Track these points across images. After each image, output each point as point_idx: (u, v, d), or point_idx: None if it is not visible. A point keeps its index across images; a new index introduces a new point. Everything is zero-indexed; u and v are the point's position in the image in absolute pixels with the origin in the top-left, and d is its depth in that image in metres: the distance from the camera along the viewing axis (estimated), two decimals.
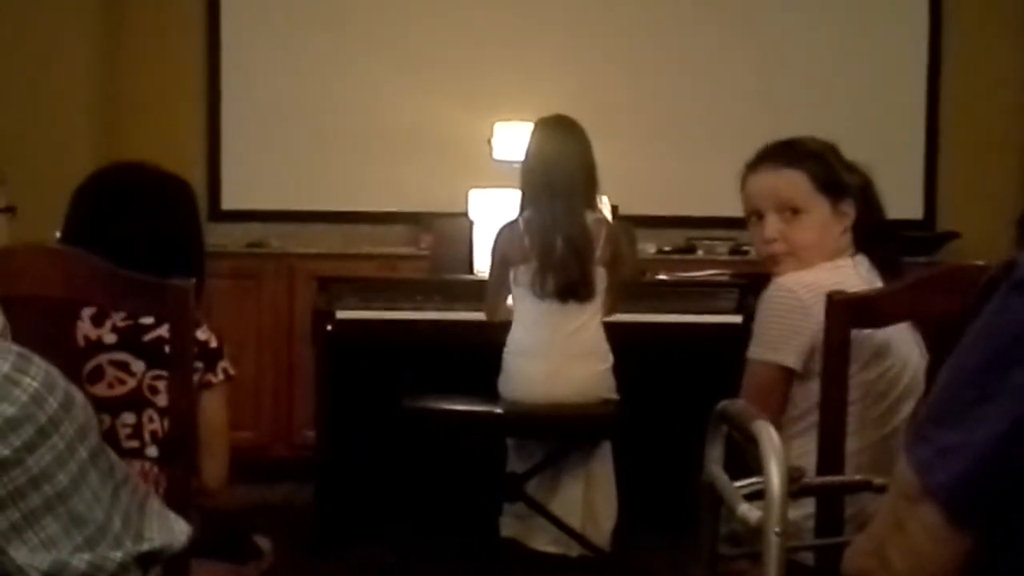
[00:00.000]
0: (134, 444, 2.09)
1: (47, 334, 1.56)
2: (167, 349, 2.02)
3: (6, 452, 0.84)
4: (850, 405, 1.90)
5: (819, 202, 2.14)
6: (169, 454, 1.89)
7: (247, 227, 5.28)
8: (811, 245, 2.13)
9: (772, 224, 2.16)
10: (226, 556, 2.21)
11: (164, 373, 2.05)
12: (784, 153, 2.20)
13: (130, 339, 2.10)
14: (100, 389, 2.05)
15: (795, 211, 2.14)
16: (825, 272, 2.07)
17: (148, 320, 2.10)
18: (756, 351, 2.09)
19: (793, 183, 2.15)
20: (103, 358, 2.09)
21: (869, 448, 1.97)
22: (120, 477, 0.93)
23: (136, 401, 2.09)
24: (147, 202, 2.22)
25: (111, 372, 2.08)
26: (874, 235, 2.14)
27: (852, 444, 1.93)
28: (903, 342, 2.03)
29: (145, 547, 0.91)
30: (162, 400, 2.08)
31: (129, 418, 2.09)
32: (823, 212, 2.14)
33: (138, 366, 2.10)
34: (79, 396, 0.92)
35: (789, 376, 2.06)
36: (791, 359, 2.04)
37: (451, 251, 4.08)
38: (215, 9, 5.36)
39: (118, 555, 0.89)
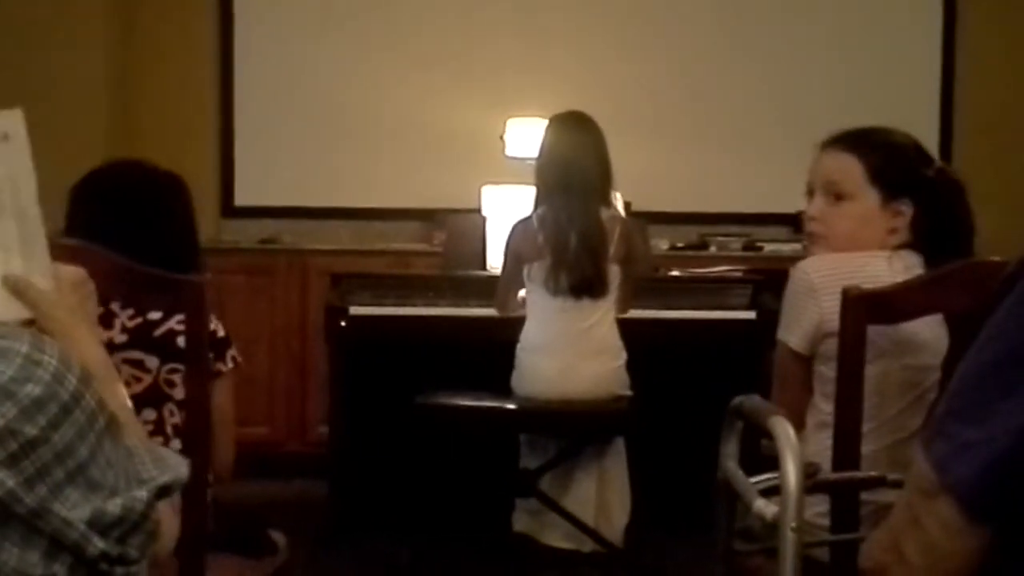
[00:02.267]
0: (158, 440, 2.10)
1: None
2: (179, 342, 2.08)
3: (34, 432, 0.86)
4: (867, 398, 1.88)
5: (868, 193, 2.08)
6: (186, 446, 1.90)
7: (260, 223, 5.29)
8: (846, 234, 2.09)
9: (816, 203, 2.13)
10: (241, 551, 2.23)
11: (179, 366, 2.09)
12: (851, 138, 2.14)
13: (141, 336, 2.12)
14: None
15: (839, 196, 2.10)
16: (854, 260, 2.03)
17: (156, 315, 2.11)
18: (778, 329, 2.09)
19: (845, 168, 2.10)
20: (116, 358, 2.09)
21: (898, 445, 1.94)
22: (122, 433, 0.96)
23: (155, 397, 2.11)
24: (146, 200, 2.24)
25: (126, 371, 2.10)
26: (938, 240, 2.05)
27: (877, 440, 1.92)
28: (938, 338, 1.97)
29: (160, 482, 0.95)
30: (179, 393, 2.11)
31: (150, 414, 2.11)
32: (869, 204, 2.08)
33: (152, 362, 2.12)
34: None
35: (799, 357, 2.05)
36: (794, 339, 2.04)
37: (464, 247, 4.08)
38: (228, 7, 5.37)
39: (144, 495, 0.92)
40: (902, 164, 2.10)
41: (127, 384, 2.07)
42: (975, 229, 2.09)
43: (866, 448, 1.86)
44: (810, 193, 2.17)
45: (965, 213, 2.10)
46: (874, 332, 1.87)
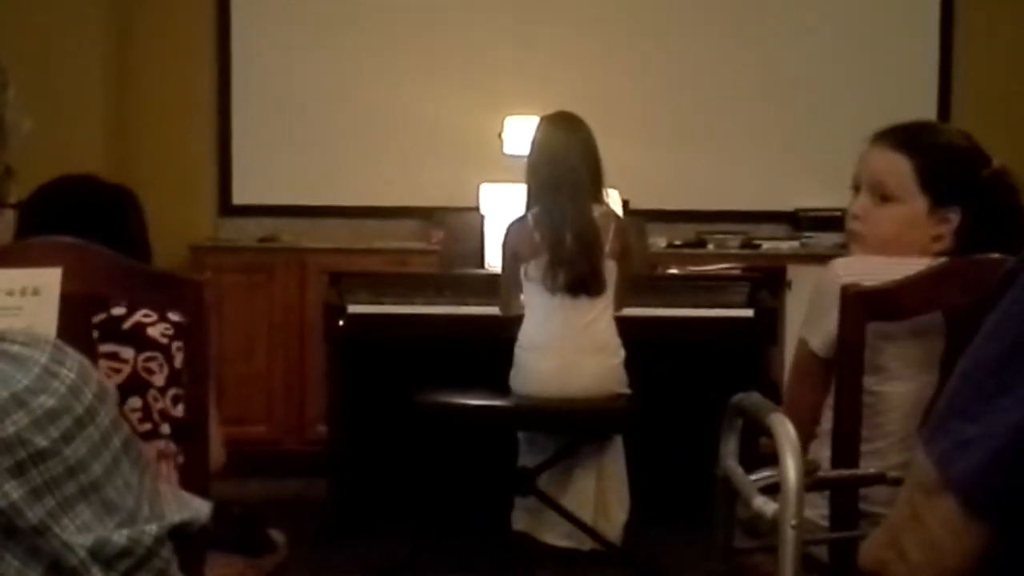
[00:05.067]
0: (147, 427, 2.14)
1: (63, 327, 1.57)
2: (149, 332, 2.13)
3: (45, 443, 0.86)
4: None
5: (915, 197, 1.97)
6: (185, 441, 1.90)
7: (258, 222, 5.30)
8: (889, 237, 1.99)
9: (860, 201, 2.03)
10: (241, 549, 2.22)
11: (154, 354, 2.14)
12: (904, 135, 2.02)
13: (110, 330, 2.14)
14: None
15: (885, 197, 1.99)
16: (889, 265, 1.92)
17: (120, 311, 2.15)
18: (802, 324, 2.01)
19: (894, 169, 1.99)
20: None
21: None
22: (144, 462, 0.96)
23: (137, 385, 2.14)
24: (96, 215, 2.27)
25: (103, 364, 2.11)
26: (985, 246, 1.90)
27: (895, 455, 1.88)
28: None
29: (176, 519, 0.94)
30: (159, 380, 2.14)
31: (135, 402, 2.14)
32: (916, 209, 1.98)
33: (127, 353, 2.15)
34: (111, 386, 0.94)
35: (818, 358, 1.97)
36: (815, 341, 1.96)
37: (462, 246, 4.08)
38: (225, 6, 5.37)
39: (154, 529, 0.92)
40: (955, 168, 1.99)
41: (107, 376, 2.09)
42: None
43: (882, 463, 1.82)
44: (855, 189, 2.07)
45: (1017, 217, 1.97)
46: (912, 348, 1.86)
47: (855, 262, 1.99)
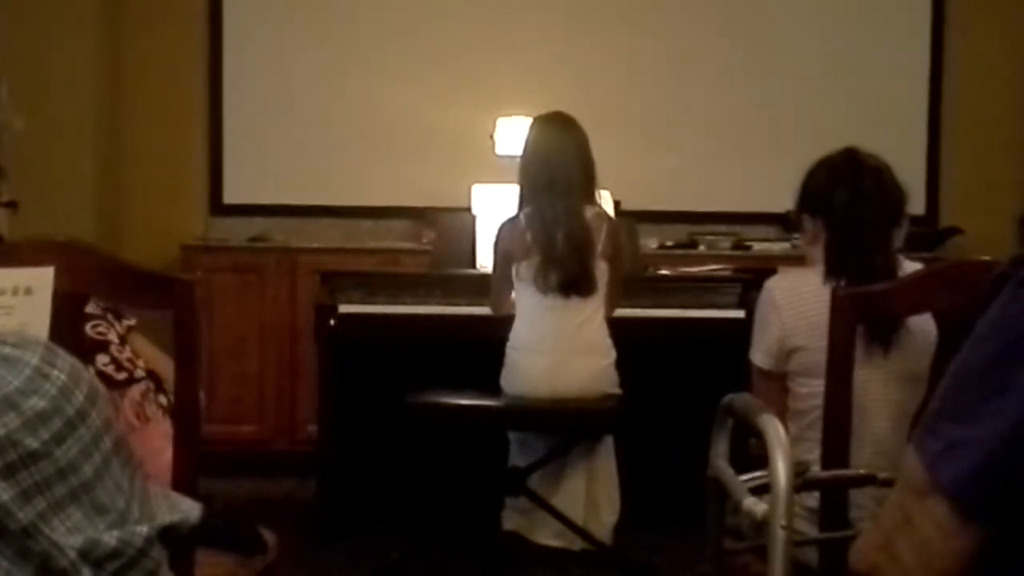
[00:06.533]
0: (124, 375, 2.24)
1: (54, 326, 1.57)
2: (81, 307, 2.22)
3: (35, 445, 0.86)
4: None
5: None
6: (178, 446, 1.90)
7: (250, 221, 5.29)
8: (805, 254, 2.25)
9: None
10: (232, 548, 2.22)
11: (97, 321, 2.27)
12: None
13: None
14: None
15: None
16: (815, 276, 2.13)
17: None
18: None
19: None
20: None
21: None
22: (134, 464, 0.96)
23: (97, 345, 2.23)
24: None
25: None
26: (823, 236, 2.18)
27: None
28: None
29: (166, 520, 0.94)
30: (114, 337, 2.27)
31: (104, 359, 2.22)
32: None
33: None
34: (101, 387, 0.94)
35: (767, 374, 2.12)
36: (758, 356, 2.13)
37: (454, 246, 4.08)
38: (217, 5, 5.36)
39: (144, 530, 0.92)
40: (814, 180, 2.23)
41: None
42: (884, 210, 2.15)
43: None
44: None
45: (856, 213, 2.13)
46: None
47: (785, 276, 2.19)
